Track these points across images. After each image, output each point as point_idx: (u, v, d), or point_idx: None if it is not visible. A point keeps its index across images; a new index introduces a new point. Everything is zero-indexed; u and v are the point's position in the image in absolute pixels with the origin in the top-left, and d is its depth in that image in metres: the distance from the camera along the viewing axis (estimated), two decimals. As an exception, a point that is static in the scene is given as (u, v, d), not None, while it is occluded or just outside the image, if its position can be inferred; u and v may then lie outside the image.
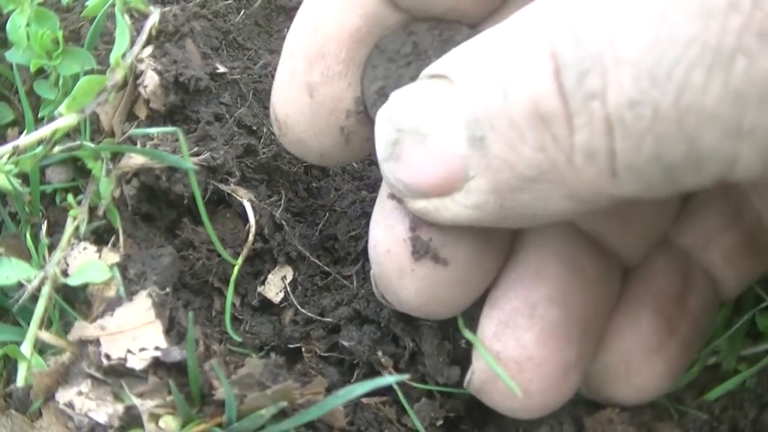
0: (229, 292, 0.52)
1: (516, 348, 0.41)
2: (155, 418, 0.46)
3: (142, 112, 0.56)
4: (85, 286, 0.50)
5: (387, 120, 0.36)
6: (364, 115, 0.42)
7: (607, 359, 0.44)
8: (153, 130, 0.53)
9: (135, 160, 0.53)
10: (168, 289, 0.49)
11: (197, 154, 0.52)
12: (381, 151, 0.36)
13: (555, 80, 0.30)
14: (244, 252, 0.55)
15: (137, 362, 0.46)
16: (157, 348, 0.46)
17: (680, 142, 0.28)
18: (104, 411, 0.44)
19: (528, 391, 0.41)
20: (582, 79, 0.29)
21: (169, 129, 0.51)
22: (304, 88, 0.41)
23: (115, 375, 0.46)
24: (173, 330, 0.48)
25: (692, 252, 0.45)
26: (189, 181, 0.52)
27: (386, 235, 0.40)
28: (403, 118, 0.35)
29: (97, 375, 0.46)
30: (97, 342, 0.47)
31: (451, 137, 0.33)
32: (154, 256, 0.51)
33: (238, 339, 0.51)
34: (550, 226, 0.41)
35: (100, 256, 0.51)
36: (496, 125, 0.32)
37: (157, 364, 0.47)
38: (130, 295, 0.49)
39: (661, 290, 0.44)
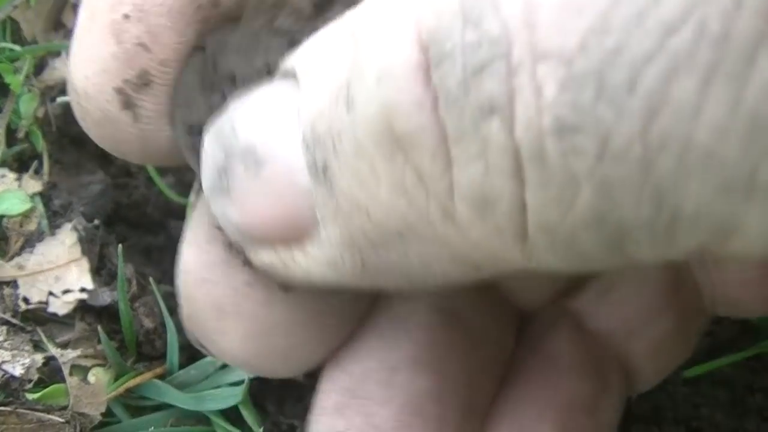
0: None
1: (366, 429, 0.28)
2: (83, 370, 0.39)
3: (70, 20, 0.49)
4: (0, 219, 0.43)
5: (216, 138, 0.24)
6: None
7: None
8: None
9: (60, 72, 0.46)
10: (97, 222, 0.42)
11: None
12: (207, 179, 0.24)
13: (421, 79, 0.18)
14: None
15: (60, 306, 0.40)
16: (83, 290, 0.40)
17: (644, 197, 0.17)
18: (20, 363, 0.38)
19: None
20: (470, 78, 0.17)
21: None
22: (108, 30, 0.25)
23: (35, 321, 0.40)
24: (104, 269, 0.42)
25: (608, 340, 0.33)
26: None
27: (201, 257, 0.27)
28: (236, 134, 0.23)
29: (14, 321, 0.40)
30: (13, 283, 0.41)
31: (294, 162, 0.22)
32: (83, 184, 0.44)
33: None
34: None
35: (20, 185, 0.44)
36: (341, 149, 0.20)
37: (84, 309, 0.40)
38: (54, 228, 0.42)
39: (568, 392, 0.32)
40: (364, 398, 0.28)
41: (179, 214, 0.46)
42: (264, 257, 0.24)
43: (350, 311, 0.29)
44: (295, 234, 0.23)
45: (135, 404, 0.40)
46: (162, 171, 0.45)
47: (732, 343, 0.42)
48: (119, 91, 0.25)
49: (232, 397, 0.39)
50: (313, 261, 0.23)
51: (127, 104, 0.25)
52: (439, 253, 0.20)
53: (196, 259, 0.27)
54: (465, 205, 0.18)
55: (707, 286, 0.33)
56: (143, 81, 0.25)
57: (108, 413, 0.39)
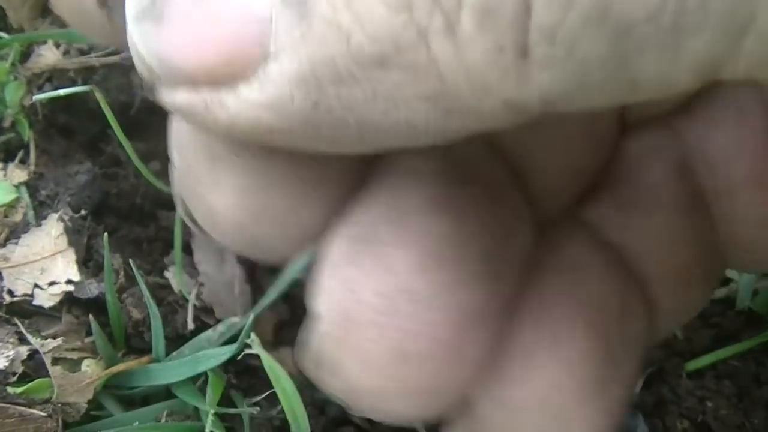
0: (177, 235, 0.42)
1: (382, 273, 0.25)
2: (71, 363, 0.38)
3: (57, 6, 0.47)
4: (-15, 210, 0.42)
5: None
6: None
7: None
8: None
9: (46, 59, 0.44)
10: (84, 212, 0.41)
11: (117, 52, 0.44)
12: (135, 3, 0.21)
13: None
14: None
15: (46, 299, 0.38)
16: (69, 281, 0.39)
17: None
18: (4, 355, 0.36)
19: (404, 353, 0.24)
20: None
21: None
22: None
23: (21, 314, 0.39)
24: (92, 260, 0.41)
25: (627, 256, 0.30)
26: (109, 85, 0.44)
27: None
28: None
29: (-2, 314, 0.38)
30: (-2, 275, 0.39)
31: None
32: (70, 174, 0.42)
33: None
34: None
35: (5, 174, 0.43)
36: None
37: (71, 301, 0.39)
38: (40, 219, 0.41)
39: (598, 295, 0.29)
40: (376, 243, 0.25)
41: (169, 205, 0.45)
42: (183, 98, 0.20)
43: (345, 174, 0.26)
44: (233, 71, 0.19)
45: (124, 393, 0.39)
46: (148, 159, 0.43)
47: (736, 333, 0.41)
48: None
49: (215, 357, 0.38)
50: (245, 104, 0.19)
51: None
52: (415, 87, 0.18)
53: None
54: (469, 16, 0.17)
55: (722, 221, 0.30)
56: None
57: (98, 407, 0.38)
